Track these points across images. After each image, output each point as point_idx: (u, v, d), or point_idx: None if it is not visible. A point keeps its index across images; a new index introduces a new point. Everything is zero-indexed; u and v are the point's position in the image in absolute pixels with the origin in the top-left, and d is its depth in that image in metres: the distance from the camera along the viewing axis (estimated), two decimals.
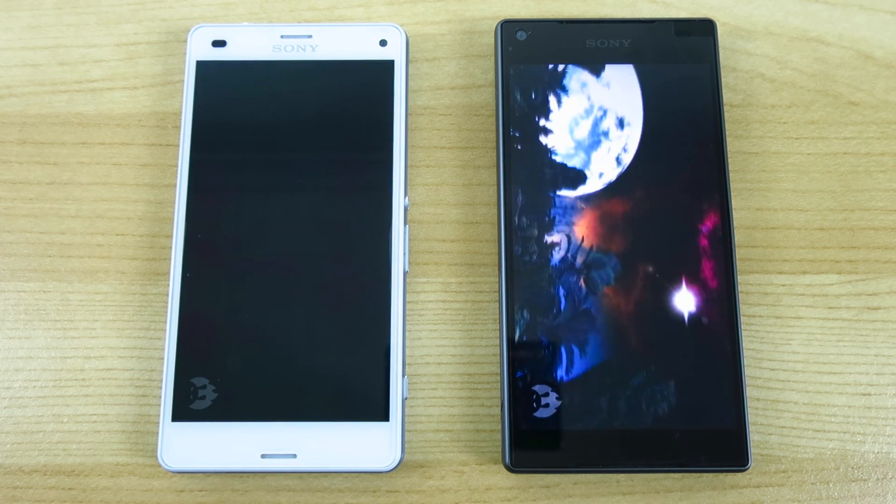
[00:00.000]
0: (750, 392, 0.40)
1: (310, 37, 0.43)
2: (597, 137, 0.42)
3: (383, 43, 0.43)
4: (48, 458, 0.40)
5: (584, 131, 0.42)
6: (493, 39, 0.45)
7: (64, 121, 0.44)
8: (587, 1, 0.46)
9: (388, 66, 0.43)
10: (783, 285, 0.42)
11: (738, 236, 0.42)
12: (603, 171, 0.41)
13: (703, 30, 0.43)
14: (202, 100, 0.42)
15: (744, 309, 0.41)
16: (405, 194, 0.41)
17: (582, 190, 0.41)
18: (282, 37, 0.43)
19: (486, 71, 0.45)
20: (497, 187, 0.42)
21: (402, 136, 0.42)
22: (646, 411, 0.39)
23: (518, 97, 0.42)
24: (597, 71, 0.42)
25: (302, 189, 0.41)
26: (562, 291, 0.40)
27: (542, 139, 0.42)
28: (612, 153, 0.41)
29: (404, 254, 0.41)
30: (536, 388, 0.39)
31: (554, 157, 0.41)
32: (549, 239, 0.41)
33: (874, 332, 0.41)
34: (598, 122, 0.42)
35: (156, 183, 0.43)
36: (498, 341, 0.41)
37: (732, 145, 0.43)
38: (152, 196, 0.43)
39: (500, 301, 0.40)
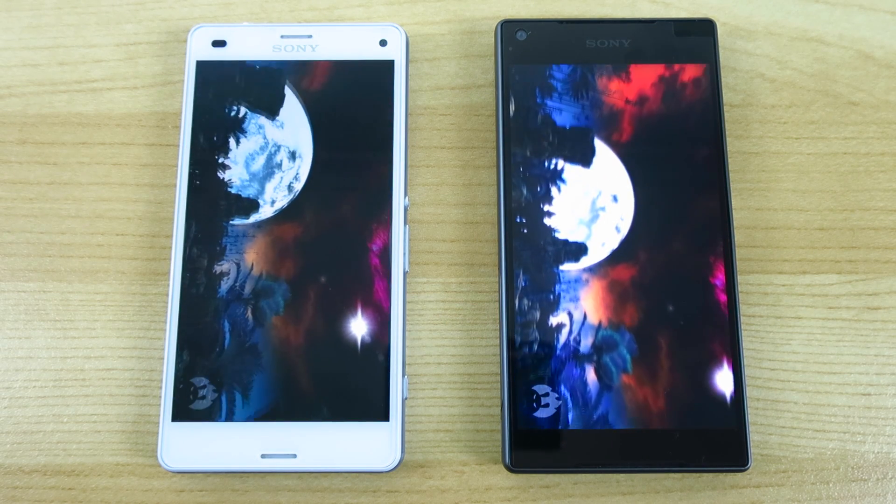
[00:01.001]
0: (750, 392, 0.40)
1: (310, 37, 0.43)
2: (596, 133, 0.42)
3: (383, 43, 0.43)
4: (48, 458, 0.40)
5: (584, 130, 0.42)
6: (493, 39, 0.45)
7: (64, 121, 0.44)
8: (587, 1, 0.46)
9: (388, 66, 0.43)
10: (783, 285, 0.42)
11: (738, 236, 0.42)
12: (602, 169, 0.41)
13: (703, 30, 0.43)
14: (202, 100, 0.42)
15: (744, 309, 0.41)
16: (405, 194, 0.41)
17: (581, 188, 0.41)
18: (282, 37, 0.43)
19: (486, 71, 0.45)
20: (497, 187, 0.42)
21: (402, 136, 0.42)
22: (646, 411, 0.39)
23: (518, 97, 0.42)
24: (596, 71, 0.42)
25: (301, 189, 0.41)
26: (560, 292, 0.40)
27: (542, 139, 0.42)
28: (612, 144, 0.41)
29: (404, 254, 0.41)
30: (536, 388, 0.39)
31: (555, 156, 0.41)
32: (547, 238, 0.41)
33: (874, 332, 0.41)
34: (597, 121, 0.42)
35: (156, 183, 0.43)
36: (498, 341, 0.41)
37: (732, 145, 0.43)
38: (152, 196, 0.43)
39: (500, 301, 0.40)
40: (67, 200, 0.43)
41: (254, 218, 0.41)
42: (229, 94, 0.42)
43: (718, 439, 0.38)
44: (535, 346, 0.39)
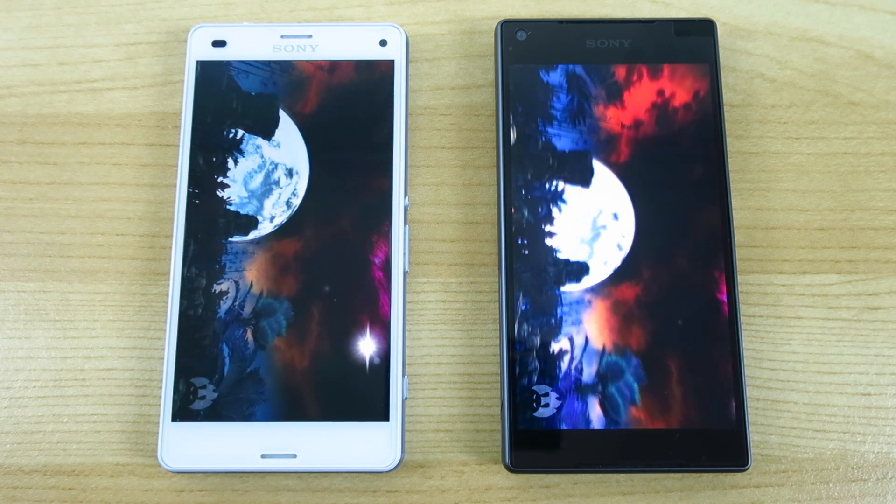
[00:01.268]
0: (750, 392, 0.40)
1: (310, 37, 0.43)
2: (597, 134, 0.42)
3: (383, 43, 0.43)
4: (48, 458, 0.40)
5: (584, 129, 0.42)
6: (493, 39, 0.45)
7: (64, 121, 0.44)
8: (587, 1, 0.46)
9: (388, 66, 0.43)
10: (783, 285, 0.42)
11: (738, 236, 0.42)
12: (603, 167, 0.41)
13: (703, 30, 0.43)
14: (202, 100, 0.42)
15: (744, 309, 0.41)
16: (405, 194, 0.41)
17: (582, 188, 0.41)
18: (282, 37, 0.43)
19: (486, 71, 0.45)
20: (497, 187, 0.42)
21: (402, 136, 0.42)
22: (646, 411, 0.39)
23: (518, 97, 0.42)
24: (596, 71, 0.42)
25: (301, 189, 0.41)
26: (560, 291, 0.40)
27: (542, 138, 0.42)
28: (612, 150, 0.41)
29: (404, 254, 0.41)
30: (536, 388, 0.39)
31: (555, 157, 0.41)
32: (549, 238, 0.41)
33: (874, 332, 0.41)
34: (597, 121, 0.42)
35: (156, 183, 0.43)
36: (498, 341, 0.41)
37: (732, 145, 0.43)
38: (152, 196, 0.43)
39: (500, 301, 0.40)
40: (67, 200, 0.43)
41: (253, 235, 0.41)
42: (227, 116, 0.42)
43: (718, 439, 0.38)
44: (536, 346, 0.39)
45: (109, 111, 0.44)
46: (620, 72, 0.42)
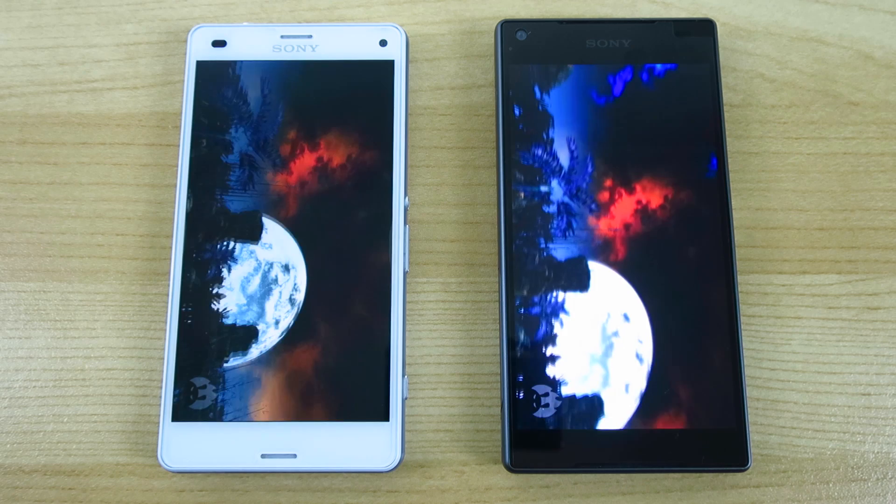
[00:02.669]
0: (750, 392, 0.40)
1: (310, 37, 0.43)
2: (597, 135, 0.42)
3: (383, 43, 0.43)
4: (48, 458, 0.40)
5: (584, 130, 0.42)
6: (493, 39, 0.45)
7: (64, 121, 0.44)
8: (587, 1, 0.46)
9: (388, 66, 0.43)
10: (783, 285, 0.42)
11: (738, 236, 0.42)
12: (603, 167, 0.41)
13: (703, 30, 0.43)
14: (202, 100, 0.42)
15: (744, 309, 0.41)
16: (405, 194, 0.41)
17: (579, 188, 0.41)
18: (282, 37, 0.43)
19: (486, 71, 0.45)
20: (497, 187, 0.42)
21: (402, 136, 0.42)
22: (646, 411, 0.39)
23: (518, 97, 0.42)
24: (595, 70, 0.42)
25: (302, 189, 0.41)
26: (561, 292, 0.40)
27: (543, 139, 0.42)
28: (613, 152, 0.41)
29: (404, 254, 0.41)
30: (536, 388, 0.39)
31: (554, 156, 0.41)
32: (549, 239, 0.41)
33: (874, 332, 0.41)
34: (597, 121, 0.42)
35: (156, 183, 0.43)
36: (498, 341, 0.41)
37: (732, 145, 0.43)
38: (152, 196, 0.43)
39: (500, 301, 0.40)
40: (67, 200, 0.43)
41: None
42: (216, 233, 0.41)
43: (718, 439, 0.38)
44: (536, 346, 0.39)
45: (110, 111, 0.44)
46: (619, 71, 0.42)
